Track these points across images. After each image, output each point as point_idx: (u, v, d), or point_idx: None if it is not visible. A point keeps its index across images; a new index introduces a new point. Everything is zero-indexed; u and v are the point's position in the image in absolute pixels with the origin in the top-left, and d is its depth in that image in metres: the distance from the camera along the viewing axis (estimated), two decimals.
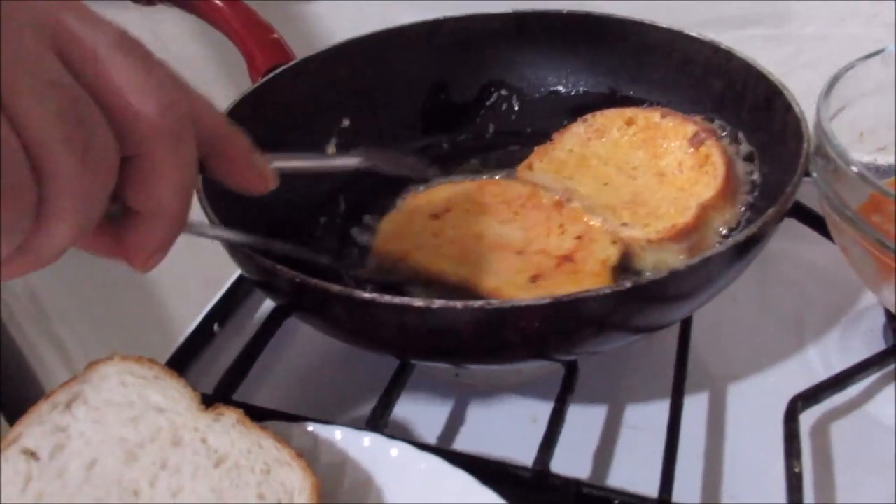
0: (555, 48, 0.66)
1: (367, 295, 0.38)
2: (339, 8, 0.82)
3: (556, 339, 0.40)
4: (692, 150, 0.55)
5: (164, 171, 0.29)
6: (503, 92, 0.68)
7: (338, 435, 0.39)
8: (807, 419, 0.48)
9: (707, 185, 0.52)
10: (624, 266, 0.51)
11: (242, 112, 0.54)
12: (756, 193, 0.54)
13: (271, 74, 0.59)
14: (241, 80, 0.62)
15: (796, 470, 0.41)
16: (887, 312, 0.52)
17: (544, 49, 0.66)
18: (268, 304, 0.59)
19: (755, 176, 0.55)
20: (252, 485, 0.34)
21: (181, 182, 0.29)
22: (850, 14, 0.70)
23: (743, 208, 0.53)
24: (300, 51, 0.64)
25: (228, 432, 0.36)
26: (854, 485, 0.45)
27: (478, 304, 0.37)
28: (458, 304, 0.37)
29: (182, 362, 0.54)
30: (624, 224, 0.52)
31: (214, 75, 0.84)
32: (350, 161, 0.47)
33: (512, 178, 0.59)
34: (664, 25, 0.61)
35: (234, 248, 0.43)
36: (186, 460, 0.35)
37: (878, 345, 0.52)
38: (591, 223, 0.52)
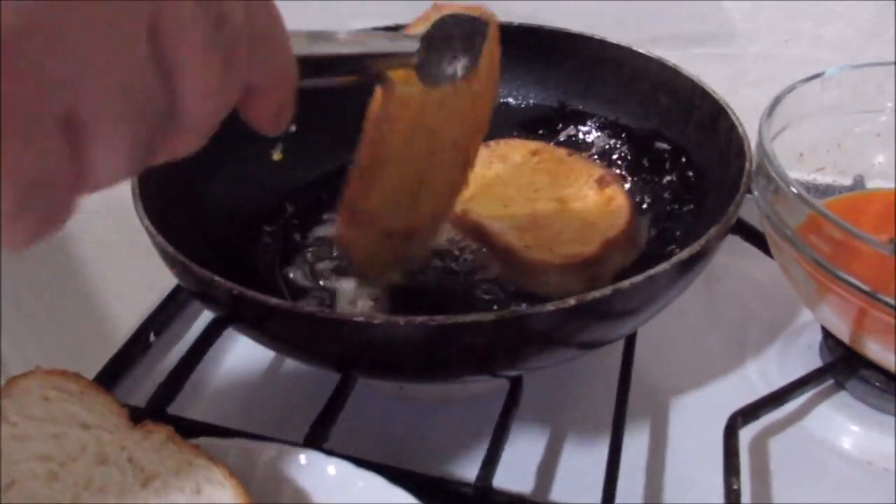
0: (505, 60, 0.66)
1: (306, 309, 0.37)
2: (290, 11, 0.80)
3: (501, 355, 0.40)
4: (597, 189, 0.56)
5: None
6: None
7: (273, 452, 0.37)
8: (746, 435, 0.48)
9: (612, 224, 0.54)
10: (524, 289, 0.52)
11: None
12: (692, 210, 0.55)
13: None
14: None
15: (735, 487, 0.42)
16: (824, 329, 0.53)
17: None
18: (207, 314, 0.57)
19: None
20: None
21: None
22: (794, 35, 0.71)
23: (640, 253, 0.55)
24: None
25: (158, 450, 0.35)
26: (790, 499, 0.46)
27: (420, 319, 0.36)
28: (401, 319, 0.36)
29: (115, 373, 0.52)
30: (527, 246, 0.52)
31: None
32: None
33: None
34: (613, 41, 0.62)
35: (168, 257, 0.41)
36: (112, 480, 0.33)
37: (814, 361, 0.53)
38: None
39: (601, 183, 0.56)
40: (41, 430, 0.35)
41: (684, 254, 0.40)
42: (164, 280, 0.60)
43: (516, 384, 0.47)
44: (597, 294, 0.38)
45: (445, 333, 0.36)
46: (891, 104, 0.56)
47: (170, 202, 0.48)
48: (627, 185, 0.61)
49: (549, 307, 0.37)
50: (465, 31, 0.44)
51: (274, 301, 0.37)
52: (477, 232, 0.55)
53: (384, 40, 0.41)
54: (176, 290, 0.58)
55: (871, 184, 0.59)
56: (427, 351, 0.38)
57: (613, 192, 0.56)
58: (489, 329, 0.37)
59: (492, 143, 0.62)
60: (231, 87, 0.27)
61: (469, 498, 0.42)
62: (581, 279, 0.51)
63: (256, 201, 0.57)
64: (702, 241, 0.41)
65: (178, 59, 0.24)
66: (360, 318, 0.36)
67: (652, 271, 0.39)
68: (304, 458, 0.37)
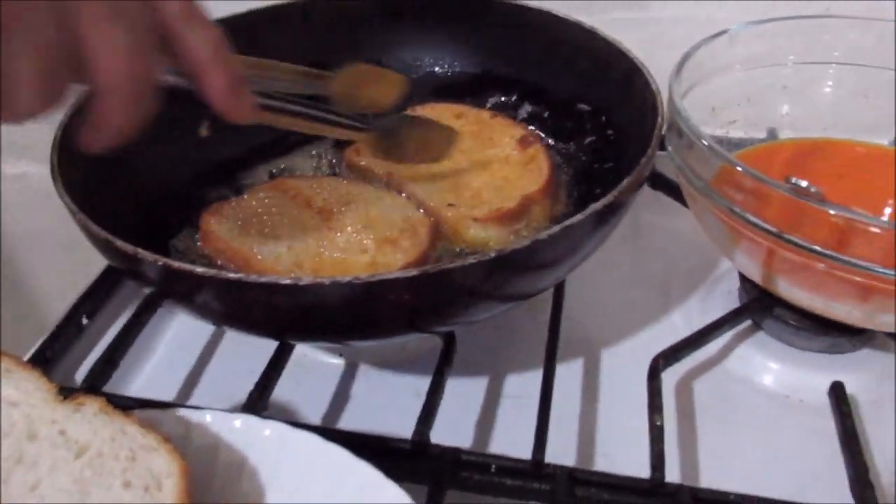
0: (429, 29, 0.67)
1: (232, 275, 0.38)
2: None
3: (427, 311, 0.41)
4: (519, 149, 0.58)
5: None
6: None
7: (208, 418, 0.38)
8: (671, 378, 0.51)
9: (532, 180, 0.56)
10: (447, 246, 0.53)
11: None
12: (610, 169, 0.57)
13: None
14: None
15: (658, 423, 0.44)
16: (741, 274, 0.56)
17: (419, 30, 0.67)
18: (140, 297, 0.57)
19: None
20: (117, 472, 0.33)
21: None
22: None
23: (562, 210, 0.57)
24: None
25: (89, 422, 0.35)
26: (714, 435, 0.49)
27: (346, 279, 0.37)
28: (326, 280, 0.37)
29: (48, 357, 0.51)
30: (450, 205, 0.54)
31: None
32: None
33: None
34: (533, 6, 0.63)
35: (91, 233, 0.41)
36: (44, 453, 0.34)
37: (733, 306, 0.55)
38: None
39: (523, 143, 0.58)
40: None
41: (598, 205, 0.42)
42: (97, 271, 0.59)
43: (449, 341, 0.49)
44: (517, 245, 0.39)
45: (371, 291, 0.37)
46: (793, 57, 0.58)
47: (93, 180, 0.48)
48: (551, 143, 0.62)
49: (471, 260, 0.38)
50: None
51: (200, 269, 0.38)
52: (403, 193, 0.56)
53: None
54: (106, 273, 0.58)
55: (783, 134, 0.61)
56: (354, 310, 0.39)
57: (535, 151, 0.58)
58: (413, 285, 0.38)
59: (417, 107, 0.63)
60: (138, 53, 0.33)
61: (406, 453, 0.44)
62: (503, 234, 0.52)
63: (184, 178, 0.57)
64: (615, 192, 0.43)
65: (83, 22, 0.32)
66: (287, 282, 0.37)
67: (568, 222, 0.40)
68: (240, 422, 0.38)
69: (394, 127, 0.53)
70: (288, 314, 0.40)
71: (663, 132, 0.50)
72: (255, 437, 0.37)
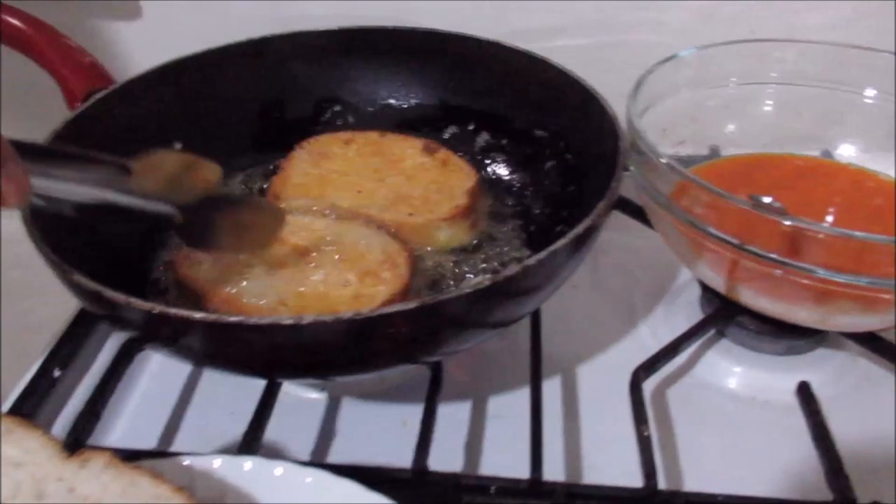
0: (384, 63, 0.68)
1: (233, 319, 0.38)
2: (153, 30, 0.78)
3: (424, 342, 0.42)
4: (428, 156, 0.61)
5: None
6: (337, 108, 0.69)
7: (216, 464, 0.38)
8: (646, 388, 0.53)
9: (463, 178, 0.60)
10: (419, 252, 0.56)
11: (63, 142, 0.51)
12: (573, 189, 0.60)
13: (92, 99, 0.56)
14: (59, 109, 0.58)
15: (645, 434, 0.46)
16: (702, 284, 0.59)
17: (374, 64, 0.68)
18: (114, 340, 0.56)
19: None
20: None
21: None
22: (639, 23, 0.77)
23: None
24: (118, 75, 0.61)
25: (98, 477, 0.34)
26: (690, 440, 0.51)
27: (348, 315, 0.37)
28: (328, 317, 0.37)
29: (24, 413, 0.49)
30: (410, 214, 0.57)
31: (27, 104, 0.76)
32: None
33: None
34: (483, 38, 0.65)
35: (77, 287, 0.40)
36: None
37: (696, 315, 0.58)
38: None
39: (428, 150, 0.62)
40: None
41: (579, 228, 0.44)
42: (45, 320, 0.57)
43: (437, 370, 0.49)
44: (508, 273, 0.40)
45: (371, 325, 0.38)
46: (734, 79, 0.62)
47: (64, 229, 0.47)
48: (511, 173, 0.65)
49: (466, 290, 0.39)
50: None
51: (198, 315, 0.38)
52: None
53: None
54: (75, 323, 0.56)
55: (726, 152, 0.65)
56: (354, 345, 0.39)
57: (445, 155, 0.62)
58: (412, 317, 0.39)
59: (304, 143, 0.64)
60: None
61: (407, 482, 0.44)
62: (466, 227, 0.57)
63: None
64: (593, 216, 0.45)
65: None
66: (289, 322, 0.37)
67: (553, 247, 0.42)
68: (249, 464, 0.38)
69: (203, 208, 0.44)
70: (286, 353, 0.40)
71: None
72: (265, 479, 0.37)
